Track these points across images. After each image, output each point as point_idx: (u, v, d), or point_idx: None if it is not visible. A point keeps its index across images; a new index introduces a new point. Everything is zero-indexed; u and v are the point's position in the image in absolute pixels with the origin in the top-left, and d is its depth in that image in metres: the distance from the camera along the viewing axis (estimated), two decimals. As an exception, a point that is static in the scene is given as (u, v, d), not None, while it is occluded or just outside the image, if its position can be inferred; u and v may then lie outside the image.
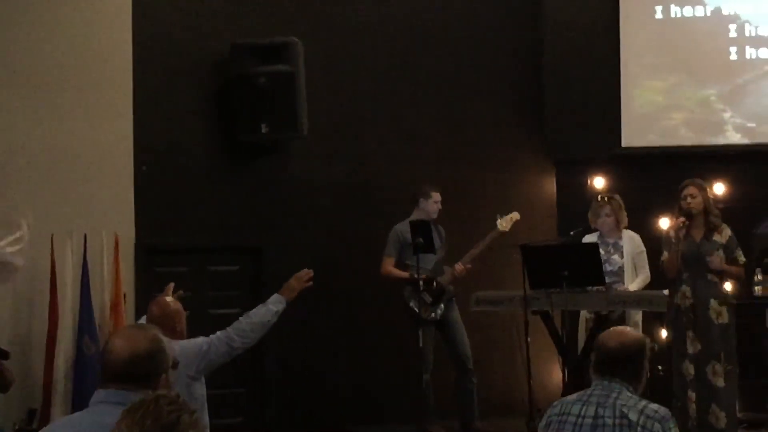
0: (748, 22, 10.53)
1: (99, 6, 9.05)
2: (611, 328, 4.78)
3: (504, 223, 9.28)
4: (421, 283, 9.01)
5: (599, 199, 9.24)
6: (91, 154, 8.88)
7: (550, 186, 10.91)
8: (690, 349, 8.23)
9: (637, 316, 8.85)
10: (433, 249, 9.10)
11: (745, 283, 9.22)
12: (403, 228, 9.30)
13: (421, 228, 8.98)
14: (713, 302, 8.27)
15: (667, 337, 8.50)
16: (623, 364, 4.47)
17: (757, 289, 9.43)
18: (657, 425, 4.32)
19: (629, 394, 4.43)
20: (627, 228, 9.09)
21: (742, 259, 8.39)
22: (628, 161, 10.67)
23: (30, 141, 8.67)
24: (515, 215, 9.35)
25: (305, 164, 9.91)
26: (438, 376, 9.26)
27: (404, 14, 10.41)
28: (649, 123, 10.78)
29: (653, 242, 8.98)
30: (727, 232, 8.39)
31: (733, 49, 10.58)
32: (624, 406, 4.38)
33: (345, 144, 10.10)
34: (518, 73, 10.86)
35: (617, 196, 9.18)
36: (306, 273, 6.21)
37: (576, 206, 10.05)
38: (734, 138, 10.60)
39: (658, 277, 8.73)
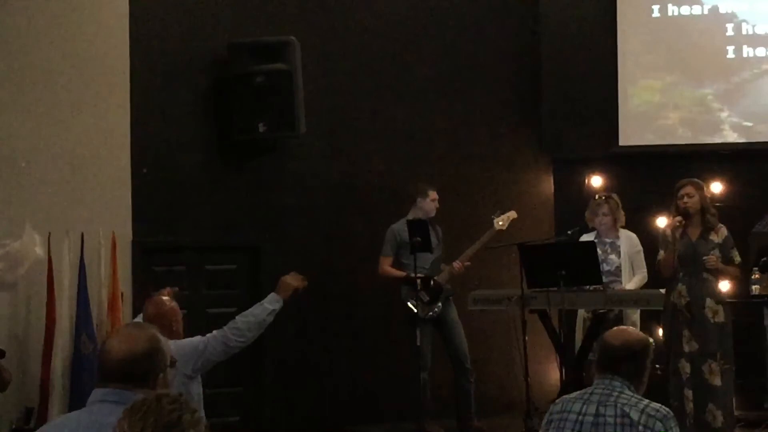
0: (745, 21, 10.54)
1: (96, 5, 9.04)
2: (615, 328, 4.80)
3: (501, 222, 9.29)
4: (418, 282, 9.01)
5: (597, 198, 9.25)
6: (89, 153, 8.87)
7: (547, 185, 10.91)
8: (686, 348, 8.24)
9: (635, 315, 8.86)
10: (431, 248, 9.10)
11: (742, 282, 9.23)
12: (399, 227, 9.30)
13: (419, 227, 8.99)
14: (709, 301, 8.28)
15: (663, 336, 8.51)
16: (626, 362, 4.49)
17: (755, 288, 9.43)
18: (658, 424, 4.33)
19: (630, 393, 4.44)
20: (624, 227, 9.10)
21: (737, 259, 8.40)
22: (626, 160, 10.67)
23: (27, 140, 8.65)
24: (512, 214, 9.36)
25: (302, 163, 9.91)
26: (436, 375, 9.27)
27: (401, 13, 10.41)
28: (646, 122, 10.79)
29: (650, 241, 8.99)
30: (724, 231, 8.39)
31: (730, 48, 10.58)
32: (625, 405, 4.39)
33: (342, 143, 10.10)
34: (515, 72, 10.87)
35: (615, 196, 9.18)
36: (302, 281, 6.18)
37: (573, 205, 10.06)
38: (731, 137, 10.61)
39: (656, 276, 8.74)
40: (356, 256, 9.86)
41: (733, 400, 8.43)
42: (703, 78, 10.68)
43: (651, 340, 4.71)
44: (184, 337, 5.83)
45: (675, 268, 8.34)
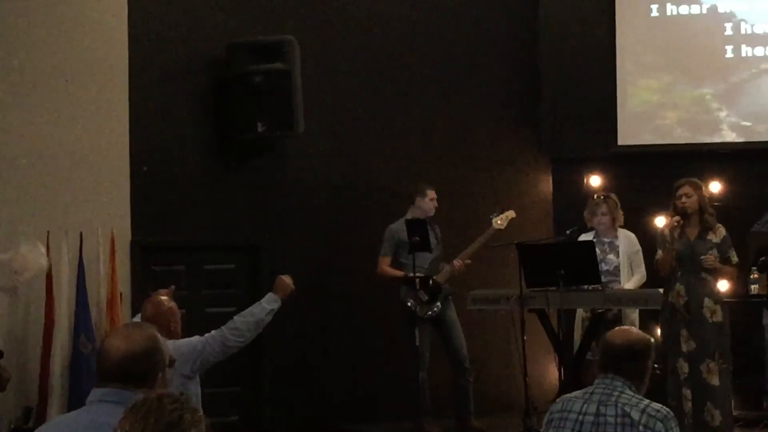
0: (744, 20, 10.54)
1: (95, 5, 9.04)
2: (618, 327, 4.81)
3: (500, 221, 9.29)
4: (417, 281, 9.02)
5: (595, 197, 9.25)
6: (87, 152, 8.87)
7: (546, 185, 10.92)
8: (684, 348, 8.24)
9: (634, 314, 8.87)
10: (429, 247, 9.10)
11: (740, 282, 9.24)
12: (398, 227, 9.31)
13: (418, 226, 8.99)
14: (707, 301, 8.28)
15: (661, 336, 8.51)
16: (627, 361, 4.49)
17: (753, 287, 9.44)
18: (659, 425, 4.33)
19: (632, 393, 4.45)
20: (623, 227, 9.10)
21: (735, 259, 8.41)
22: (625, 160, 10.68)
23: (26, 139, 8.65)
24: (511, 213, 9.36)
25: (301, 163, 9.91)
26: (434, 375, 9.27)
27: (400, 13, 10.41)
28: (645, 122, 10.79)
29: (649, 241, 8.99)
30: (722, 231, 8.40)
31: (728, 48, 10.58)
32: (626, 405, 4.40)
33: (341, 143, 10.10)
34: (515, 72, 10.87)
35: (613, 195, 9.18)
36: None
37: (572, 205, 10.06)
38: (730, 137, 10.61)
39: (654, 275, 8.74)
40: (355, 255, 9.86)
41: (732, 399, 8.44)
42: (702, 78, 10.68)
43: (653, 341, 4.72)
44: (182, 337, 5.83)
45: (673, 267, 8.35)
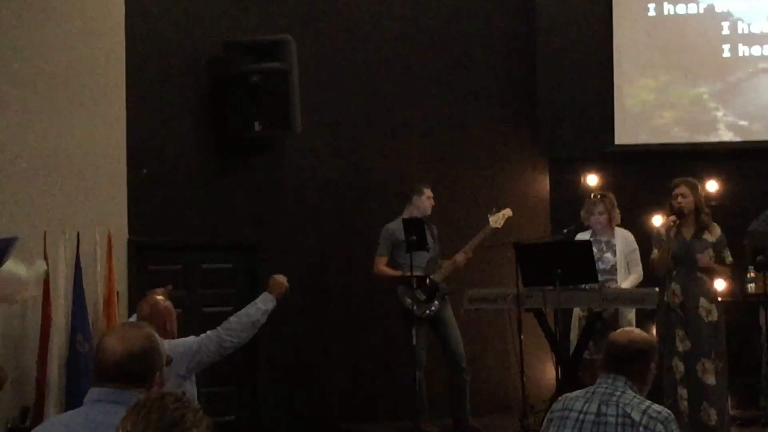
0: (741, 19, 10.54)
1: (92, 5, 9.04)
2: (622, 328, 4.81)
3: (496, 220, 9.28)
4: (414, 280, 9.02)
5: (592, 196, 9.25)
6: (84, 151, 8.87)
7: (543, 184, 10.92)
8: (680, 347, 8.25)
9: (631, 314, 8.86)
10: (426, 246, 9.11)
11: (737, 281, 9.25)
12: (394, 227, 9.31)
13: (414, 225, 8.99)
14: (703, 300, 8.29)
15: (657, 335, 8.52)
16: (629, 361, 4.50)
17: (750, 286, 9.46)
18: (660, 426, 4.34)
19: (633, 394, 4.45)
20: (620, 226, 9.10)
21: (729, 259, 8.41)
22: (621, 159, 10.68)
23: (23, 139, 8.65)
24: (507, 211, 9.35)
25: (298, 162, 9.91)
26: (431, 374, 9.27)
27: (397, 12, 10.41)
28: (642, 121, 10.80)
29: (646, 240, 8.99)
30: (718, 231, 8.41)
31: (726, 47, 10.58)
32: (627, 405, 4.40)
33: (338, 142, 10.10)
34: (511, 71, 10.87)
35: (610, 194, 9.19)
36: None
37: (569, 204, 10.06)
38: (727, 136, 10.61)
39: (651, 275, 8.74)
40: (353, 254, 9.86)
41: (728, 398, 8.44)
42: (699, 77, 10.68)
43: (657, 343, 4.73)
44: (178, 337, 5.83)
45: (669, 267, 8.36)
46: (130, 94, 9.11)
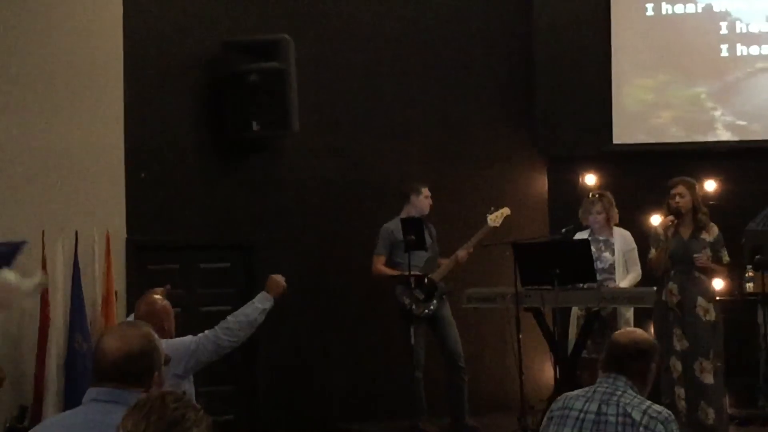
0: (739, 19, 10.53)
1: (90, 5, 9.03)
2: (625, 329, 4.82)
3: (494, 218, 9.28)
4: (412, 280, 9.02)
5: (590, 196, 9.26)
6: (82, 152, 8.87)
7: (541, 183, 10.92)
8: (677, 347, 8.25)
9: (629, 313, 8.87)
10: (425, 246, 9.11)
11: (736, 280, 9.25)
12: (392, 226, 9.31)
13: (413, 225, 9.00)
14: (700, 299, 8.30)
15: (654, 334, 8.52)
16: (631, 361, 4.51)
17: (748, 285, 9.47)
18: (660, 426, 4.34)
19: (633, 394, 4.46)
20: (618, 225, 9.11)
21: (726, 258, 8.42)
22: (620, 159, 10.68)
23: (20, 139, 8.65)
24: (505, 210, 9.35)
25: (296, 162, 9.91)
26: (430, 373, 9.28)
27: (395, 11, 10.41)
28: (640, 120, 10.80)
29: (644, 239, 9.00)
30: (715, 230, 8.42)
31: (724, 47, 10.58)
32: (628, 405, 4.40)
33: (336, 141, 10.10)
34: (509, 70, 10.88)
35: (608, 194, 9.19)
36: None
37: (567, 203, 10.07)
38: (725, 136, 10.61)
39: (649, 274, 8.75)
40: (351, 254, 9.86)
41: (726, 397, 8.45)
42: (697, 76, 10.68)
43: (659, 345, 4.74)
44: (176, 336, 5.82)
45: (666, 266, 8.36)
46: (128, 93, 9.10)
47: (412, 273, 8.98)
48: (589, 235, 8.99)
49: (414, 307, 9.09)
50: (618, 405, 4.41)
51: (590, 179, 10.62)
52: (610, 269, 8.94)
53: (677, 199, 8.37)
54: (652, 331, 8.62)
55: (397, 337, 9.26)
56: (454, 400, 9.33)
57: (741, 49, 10.54)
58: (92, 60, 8.97)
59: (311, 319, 9.79)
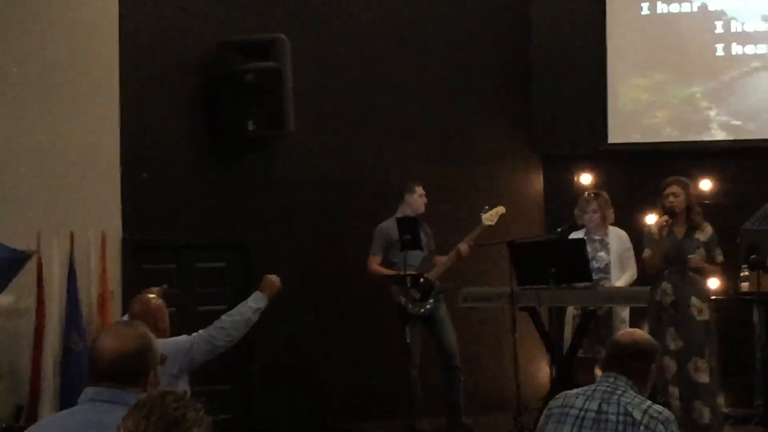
0: (734, 18, 10.54)
1: (86, 5, 9.03)
2: (626, 329, 4.83)
3: (489, 217, 9.27)
4: (408, 279, 9.02)
5: (586, 195, 9.27)
6: (78, 151, 8.86)
7: (537, 183, 10.93)
8: (671, 346, 8.26)
9: (624, 312, 8.88)
10: (420, 245, 9.11)
11: (731, 280, 9.26)
12: (388, 226, 9.31)
13: (408, 224, 8.99)
14: (694, 299, 8.30)
15: (648, 333, 8.52)
16: (631, 361, 4.52)
17: (744, 285, 9.48)
18: (660, 426, 4.35)
19: (634, 393, 4.47)
20: (613, 224, 9.12)
21: (720, 258, 8.42)
22: (615, 158, 10.69)
23: (16, 139, 8.64)
24: (500, 209, 9.34)
25: (292, 161, 9.91)
26: (425, 373, 9.28)
27: (391, 11, 10.41)
28: (636, 120, 10.81)
29: (639, 239, 9.01)
30: (709, 230, 8.42)
31: (719, 46, 10.58)
32: (628, 404, 4.41)
33: (332, 141, 10.10)
34: (505, 70, 10.88)
35: (604, 193, 9.20)
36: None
37: (563, 203, 10.08)
38: (720, 135, 10.61)
39: (645, 273, 8.76)
40: (347, 253, 9.86)
41: (721, 396, 8.46)
42: (692, 76, 10.69)
43: (660, 347, 4.76)
44: (171, 335, 5.83)
45: (660, 266, 8.37)
46: (124, 93, 9.10)
47: (408, 272, 8.98)
48: (585, 235, 9.00)
49: (410, 306, 9.09)
50: (619, 404, 4.42)
51: (586, 178, 10.63)
52: (606, 269, 8.94)
53: (671, 198, 8.38)
54: (647, 330, 8.64)
55: (393, 337, 9.27)
56: (451, 399, 9.34)
57: (736, 49, 10.54)
58: (88, 61, 8.96)
59: (308, 318, 9.80)
